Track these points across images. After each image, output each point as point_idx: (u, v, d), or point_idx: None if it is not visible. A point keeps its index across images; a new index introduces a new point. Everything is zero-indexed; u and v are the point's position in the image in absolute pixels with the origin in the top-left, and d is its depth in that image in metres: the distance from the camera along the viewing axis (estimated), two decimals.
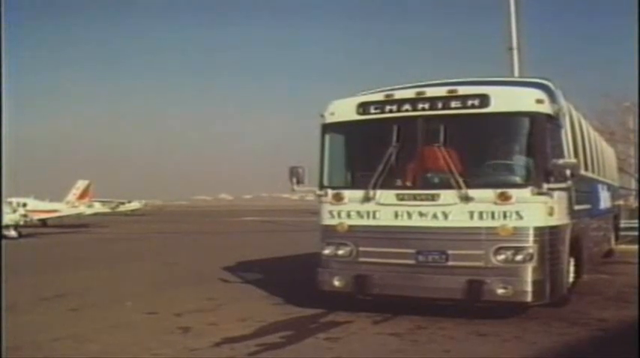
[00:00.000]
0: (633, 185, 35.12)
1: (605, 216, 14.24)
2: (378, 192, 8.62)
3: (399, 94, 8.79)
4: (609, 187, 15.24)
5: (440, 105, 8.45)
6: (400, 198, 8.51)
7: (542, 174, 8.08)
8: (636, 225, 20.67)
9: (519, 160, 8.40)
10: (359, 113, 8.91)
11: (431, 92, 8.63)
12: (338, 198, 8.93)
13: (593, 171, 12.26)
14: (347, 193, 8.89)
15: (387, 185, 8.60)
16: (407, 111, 8.61)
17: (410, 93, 8.71)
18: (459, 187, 8.17)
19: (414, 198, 8.43)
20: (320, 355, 7.16)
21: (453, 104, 8.38)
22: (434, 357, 7.02)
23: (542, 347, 7.30)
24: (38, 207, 47.04)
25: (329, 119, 9.17)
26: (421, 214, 8.39)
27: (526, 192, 8.04)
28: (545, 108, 8.30)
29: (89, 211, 53.66)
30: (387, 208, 8.58)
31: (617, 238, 17.17)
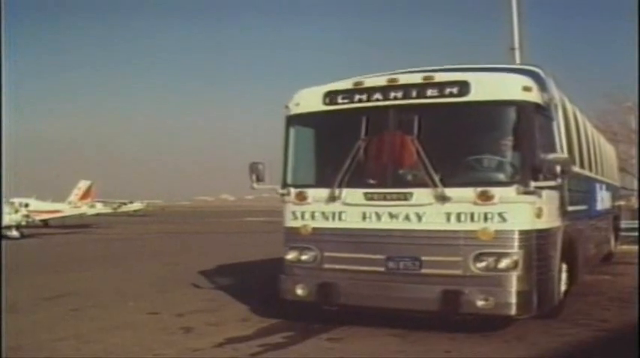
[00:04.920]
0: (635, 185, 33.91)
1: (603, 218, 13.08)
2: (344, 190, 7.54)
3: (369, 82, 7.70)
4: (608, 187, 14.05)
5: (414, 93, 7.36)
6: (368, 197, 7.42)
7: (529, 170, 6.98)
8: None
9: (503, 155, 7.26)
10: (326, 103, 7.83)
11: (404, 79, 7.53)
12: (301, 198, 7.85)
13: (590, 169, 11.11)
14: (311, 192, 7.82)
15: (354, 183, 7.51)
16: (378, 100, 7.52)
17: (381, 81, 7.62)
18: (435, 185, 7.08)
19: (384, 197, 7.34)
20: (322, 355, 6.90)
21: (429, 92, 7.28)
22: (435, 357, 6.70)
23: (544, 348, 6.96)
24: (40, 208, 46.46)
25: (293, 110, 8.09)
26: (391, 216, 7.31)
27: (510, 191, 6.94)
28: (533, 96, 7.20)
29: (91, 212, 52.92)
30: (353, 209, 7.50)
31: (617, 240, 16.03)
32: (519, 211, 6.98)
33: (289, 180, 8.06)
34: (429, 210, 7.14)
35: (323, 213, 7.69)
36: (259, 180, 8.08)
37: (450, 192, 7.05)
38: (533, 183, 6.91)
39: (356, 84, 7.72)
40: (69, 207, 49.36)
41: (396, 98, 7.42)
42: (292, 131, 8.12)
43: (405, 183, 7.39)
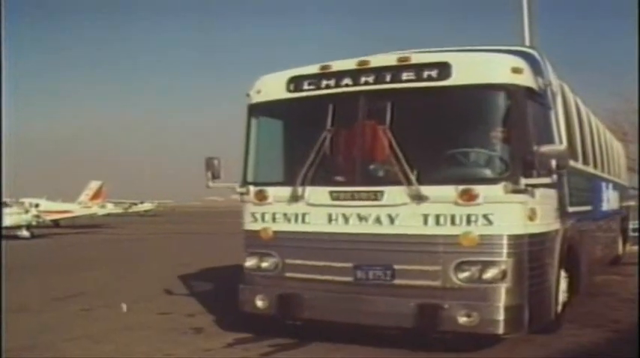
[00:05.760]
0: None
1: (610, 219, 11.80)
2: (308, 189, 6.42)
3: (337, 65, 6.55)
4: (616, 186, 12.76)
5: (388, 77, 6.23)
6: (334, 196, 6.30)
7: (519, 165, 5.84)
8: None
9: (489, 148, 6.11)
10: (290, 90, 6.72)
11: (377, 62, 6.40)
12: (261, 197, 6.75)
13: (595, 167, 9.88)
14: (271, 191, 6.71)
15: (319, 180, 6.40)
16: (347, 86, 6.39)
17: (351, 64, 6.48)
18: (409, 183, 5.95)
19: (352, 196, 6.22)
20: (332, 355, 6.45)
21: (405, 76, 6.15)
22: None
23: (554, 349, 6.56)
24: (51, 208, 46.00)
25: (255, 99, 6.98)
26: (360, 218, 6.18)
27: (497, 190, 5.79)
28: (525, 79, 6.05)
29: (102, 212, 52.18)
30: (318, 210, 6.39)
31: (625, 242, 14.74)
32: (508, 213, 5.84)
33: (249, 178, 6.96)
34: (402, 211, 6.01)
35: (285, 215, 6.59)
36: (215, 177, 6.96)
37: (427, 190, 5.92)
38: (524, 180, 5.77)
39: (323, 68, 6.59)
40: (79, 208, 48.72)
41: (367, 83, 6.30)
42: (254, 122, 7.01)
43: (375, 180, 6.26)
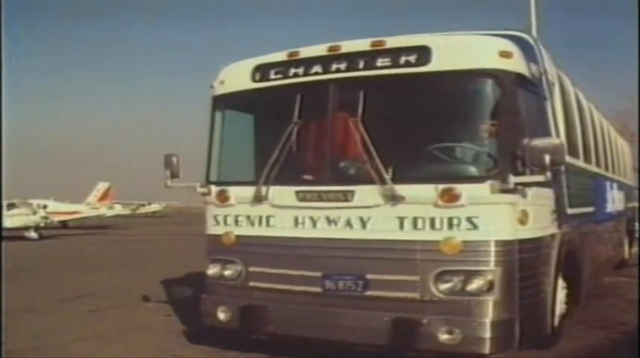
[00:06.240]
0: None
1: (615, 221, 10.93)
2: (272, 189, 5.66)
3: (306, 52, 5.80)
4: (621, 186, 11.87)
5: (361, 64, 5.45)
6: (301, 197, 5.53)
7: (508, 161, 5.07)
8: None
9: (473, 142, 5.31)
10: (255, 80, 5.95)
11: (349, 47, 5.61)
12: (223, 198, 5.99)
13: (598, 165, 9.05)
14: (233, 191, 5.95)
15: (284, 179, 5.64)
16: (316, 74, 5.62)
17: (321, 50, 5.70)
18: (382, 181, 5.17)
19: (319, 197, 5.45)
20: (339, 356, 5.81)
21: (379, 62, 5.37)
22: None
23: (561, 351, 6.20)
24: (59, 209, 45.69)
25: (218, 90, 6.22)
26: (329, 221, 5.42)
27: (483, 189, 5.01)
28: (515, 65, 5.26)
29: (110, 213, 51.78)
30: (283, 212, 5.63)
31: (632, 245, 13.78)
32: (495, 215, 5.05)
33: (213, 176, 6.21)
34: (375, 213, 5.24)
35: (248, 218, 5.84)
36: (174, 176, 6.21)
37: (403, 189, 5.14)
38: (513, 179, 4.98)
39: (290, 54, 5.82)
40: (88, 209, 48.33)
41: (338, 70, 5.53)
42: (218, 116, 6.26)
43: (346, 178, 5.48)
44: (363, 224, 5.29)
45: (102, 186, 50.00)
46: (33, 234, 36.76)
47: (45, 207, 43.07)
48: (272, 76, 5.85)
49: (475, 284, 4.99)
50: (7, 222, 36.48)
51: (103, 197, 49.69)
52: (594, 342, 6.64)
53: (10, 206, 38.68)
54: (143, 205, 71.37)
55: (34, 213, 39.25)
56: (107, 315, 8.95)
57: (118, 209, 56.79)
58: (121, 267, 16.38)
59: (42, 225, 38.81)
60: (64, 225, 45.50)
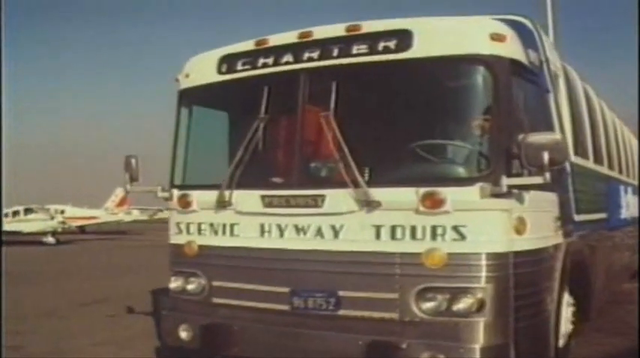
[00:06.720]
0: None
1: (630, 227, 10.05)
2: (236, 193, 4.95)
3: (276, 39, 5.10)
4: (635, 189, 10.98)
5: (335, 51, 4.73)
6: (267, 202, 4.82)
7: (500, 160, 4.30)
8: None
9: (461, 138, 4.57)
10: (222, 72, 5.26)
11: (321, 33, 4.90)
12: (185, 203, 5.30)
13: (611, 167, 8.21)
14: (196, 195, 5.25)
15: (249, 182, 4.93)
16: (287, 63, 4.93)
17: (291, 37, 5.00)
18: (356, 184, 4.45)
19: (287, 202, 4.73)
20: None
21: (355, 49, 4.65)
22: None
23: None
24: (76, 214, 46.02)
25: (183, 84, 5.54)
26: (298, 229, 4.70)
27: (472, 193, 4.25)
28: (509, 50, 4.50)
29: (127, 218, 51.54)
30: (249, 219, 4.92)
31: None
32: (486, 223, 4.30)
33: (177, 179, 5.52)
34: (349, 221, 4.51)
35: (211, 226, 5.14)
36: (133, 179, 5.53)
37: (379, 193, 4.41)
38: (506, 180, 4.22)
39: (258, 43, 5.12)
40: (105, 214, 48.38)
41: (310, 59, 4.82)
42: (183, 112, 5.57)
43: (317, 181, 4.77)
44: (335, 233, 4.56)
45: (119, 192, 49.81)
46: (50, 239, 36.91)
47: (62, 212, 43.29)
48: (239, 67, 5.16)
49: (463, 304, 4.23)
50: (25, 227, 36.62)
51: (121, 202, 49.58)
52: (613, 349, 6.55)
53: (28, 211, 38.86)
54: (161, 211, 71.23)
55: (52, 218, 39.34)
56: (125, 320, 8.94)
57: (136, 214, 56.64)
58: (138, 272, 16.13)
59: (59, 230, 38.82)
60: (81, 230, 45.64)
